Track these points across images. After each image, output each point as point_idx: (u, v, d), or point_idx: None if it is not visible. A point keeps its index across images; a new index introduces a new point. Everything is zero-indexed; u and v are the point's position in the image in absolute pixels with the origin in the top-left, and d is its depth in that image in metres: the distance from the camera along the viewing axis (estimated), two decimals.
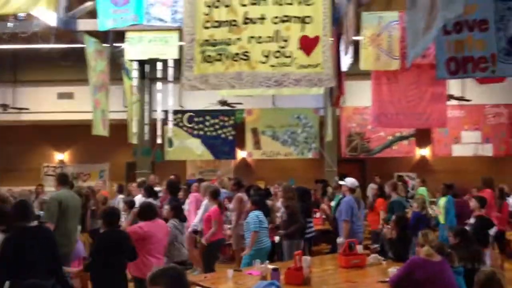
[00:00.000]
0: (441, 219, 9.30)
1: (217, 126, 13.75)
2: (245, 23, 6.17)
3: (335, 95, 9.07)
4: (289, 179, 14.80)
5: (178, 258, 6.11)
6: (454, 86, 12.45)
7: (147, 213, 5.65)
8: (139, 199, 8.51)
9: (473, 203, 8.11)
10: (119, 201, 9.37)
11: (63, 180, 6.44)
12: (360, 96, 12.65)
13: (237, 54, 6.17)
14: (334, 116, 13.25)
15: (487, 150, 13.53)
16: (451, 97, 12.24)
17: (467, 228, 7.85)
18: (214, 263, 7.50)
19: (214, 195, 7.60)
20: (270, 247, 6.65)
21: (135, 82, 10.83)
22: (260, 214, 6.58)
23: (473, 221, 7.95)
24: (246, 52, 6.14)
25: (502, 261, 8.83)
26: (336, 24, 8.08)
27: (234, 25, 6.18)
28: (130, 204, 7.64)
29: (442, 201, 9.45)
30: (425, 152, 15.73)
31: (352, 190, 7.46)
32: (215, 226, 7.21)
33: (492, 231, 8.15)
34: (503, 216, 9.01)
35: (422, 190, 11.05)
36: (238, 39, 6.17)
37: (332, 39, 8.55)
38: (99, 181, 13.05)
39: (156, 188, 9.41)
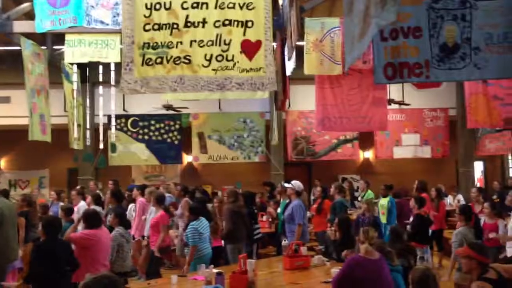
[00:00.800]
0: (383, 219, 9.59)
1: (162, 131, 13.57)
2: (187, 26, 6.13)
3: (280, 99, 9.17)
4: (236, 183, 14.88)
5: (121, 269, 5.94)
6: (394, 90, 12.89)
7: (93, 220, 5.54)
8: (83, 206, 8.26)
9: (412, 203, 8.43)
10: (58, 208, 9.04)
11: None
12: (305, 100, 12.88)
13: (178, 57, 6.12)
14: (280, 120, 13.40)
15: (426, 152, 14.10)
16: (391, 101, 12.66)
17: (408, 227, 8.19)
18: (159, 268, 7.40)
19: (159, 200, 7.48)
20: (211, 253, 6.59)
21: (75, 85, 10.51)
22: (199, 224, 6.47)
23: (412, 220, 8.28)
24: (188, 55, 6.10)
25: (441, 259, 9.22)
26: (280, 29, 8.19)
27: (175, 28, 6.13)
28: (67, 211, 7.42)
29: (384, 201, 9.76)
30: (368, 154, 16.18)
31: (298, 193, 7.57)
32: (164, 232, 7.09)
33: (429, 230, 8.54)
34: (441, 215, 9.39)
35: (370, 194, 11.36)
36: (180, 42, 6.12)
37: (276, 43, 8.69)
38: (34, 189, 12.53)
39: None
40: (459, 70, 5.34)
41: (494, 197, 10.83)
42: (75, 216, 7.31)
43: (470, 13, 5.19)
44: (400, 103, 13.17)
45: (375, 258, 4.47)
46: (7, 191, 8.43)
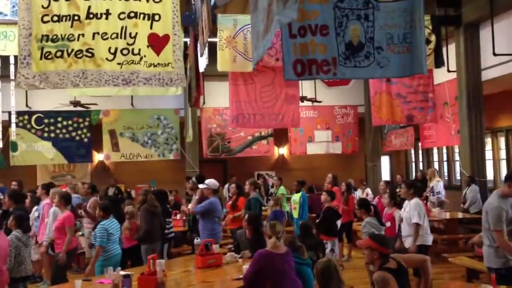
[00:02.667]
0: (295, 214, 9.81)
1: (70, 128, 12.87)
2: (89, 18, 5.81)
3: (194, 96, 9.06)
4: (151, 181, 14.53)
5: (19, 274, 5.53)
6: (307, 88, 13.21)
7: None
8: None
9: (324, 197, 8.68)
10: None
11: None
12: (219, 97, 12.82)
13: (80, 51, 5.79)
14: (195, 117, 13.25)
15: (337, 148, 14.61)
16: (304, 98, 12.97)
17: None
18: (65, 273, 6.98)
19: (65, 200, 7.05)
20: (120, 254, 6.34)
21: None
22: (110, 224, 6.21)
23: (322, 212, 8.54)
24: (90, 48, 5.79)
25: (350, 250, 9.58)
26: (193, 25, 8.07)
27: (77, 20, 5.79)
28: None
29: (296, 196, 9.98)
30: (283, 151, 16.49)
31: (215, 191, 7.49)
32: (70, 233, 6.68)
33: (338, 223, 8.85)
34: (350, 208, 9.75)
35: (282, 190, 11.54)
36: (81, 35, 5.80)
37: (189, 39, 8.56)
38: None
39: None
40: (364, 68, 5.56)
41: (398, 190, 11.44)
42: None
43: (373, 14, 5.41)
44: (313, 100, 13.52)
45: (281, 252, 4.53)
46: None
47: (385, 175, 16.75)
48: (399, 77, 8.96)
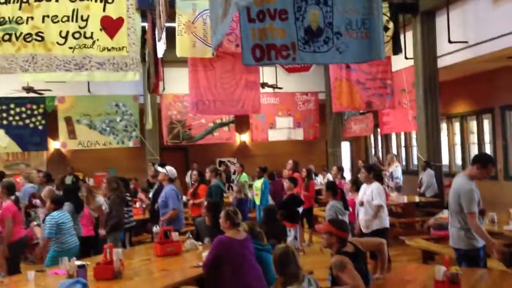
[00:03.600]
0: (257, 200, 9.82)
1: (24, 115, 12.41)
2: (38, 0, 5.55)
3: (152, 82, 8.85)
4: (109, 169, 14.23)
5: None
6: (268, 74, 13.18)
7: None
8: None
9: (287, 184, 8.72)
10: None
11: None
12: (180, 83, 12.62)
13: (29, 34, 5.54)
14: (154, 103, 13.03)
15: (298, 134, 14.71)
16: (265, 85, 12.94)
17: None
18: (18, 264, 6.72)
19: (8, 190, 6.71)
20: (78, 245, 6.17)
21: None
22: (60, 215, 5.99)
23: (284, 199, 8.58)
24: (40, 32, 5.55)
25: (311, 235, 9.69)
26: (151, 9, 7.85)
27: (25, 2, 5.52)
28: None
29: (258, 183, 9.98)
30: (244, 137, 16.46)
31: (171, 180, 7.40)
32: (8, 225, 6.36)
33: (300, 209, 8.92)
34: (311, 194, 9.84)
35: (244, 177, 11.53)
36: (30, 18, 5.54)
37: (147, 24, 8.34)
38: None
39: None
40: (323, 54, 5.54)
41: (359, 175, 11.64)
42: None
43: None
44: (274, 86, 13.52)
45: (240, 238, 4.52)
46: None
47: (346, 160, 17.02)
48: (358, 63, 9.05)
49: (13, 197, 6.58)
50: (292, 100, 14.55)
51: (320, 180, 13.88)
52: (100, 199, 7.69)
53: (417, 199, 10.45)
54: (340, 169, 10.85)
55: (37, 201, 8.34)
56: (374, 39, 5.46)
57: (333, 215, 6.66)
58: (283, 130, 14.55)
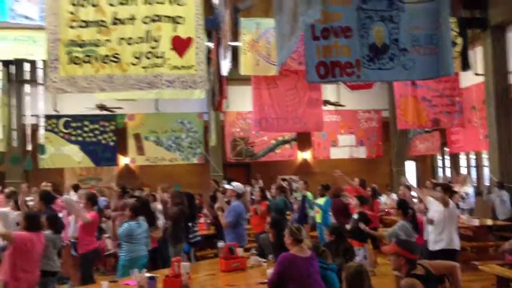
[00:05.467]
0: (318, 218, 9.72)
1: (97, 132, 13.09)
2: (114, 23, 5.91)
3: (217, 100, 9.10)
4: (175, 184, 14.61)
5: (47, 267, 5.65)
6: (330, 92, 13.13)
7: (33, 223, 5.31)
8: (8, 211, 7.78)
9: (354, 201, 8.56)
10: None
11: None
12: (243, 101, 12.85)
13: (107, 56, 5.89)
14: (218, 120, 13.31)
15: (361, 152, 14.48)
16: (327, 102, 12.89)
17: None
18: (92, 274, 7.05)
19: (91, 200, 7.15)
20: (146, 256, 6.37)
21: (0, 84, 9.94)
22: (135, 224, 6.24)
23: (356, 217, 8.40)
24: (116, 54, 5.89)
25: (376, 256, 9.44)
26: (216, 29, 8.11)
27: (103, 25, 5.89)
28: None
29: (320, 201, 9.88)
30: (306, 155, 16.40)
31: (239, 195, 7.50)
32: (93, 234, 6.73)
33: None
34: (375, 214, 9.61)
35: (308, 194, 11.47)
36: (108, 40, 5.90)
37: (212, 43, 8.61)
38: None
39: (28, 198, 8.66)
40: (388, 71, 5.49)
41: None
42: None
43: (398, 15, 5.35)
44: (336, 104, 13.44)
45: (306, 256, 4.48)
46: None
47: (411, 180, 16.49)
48: (425, 79, 8.79)
49: (96, 208, 6.97)
50: (355, 117, 14.38)
51: (384, 200, 13.53)
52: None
53: (490, 222, 9.93)
54: (409, 188, 10.49)
55: (109, 212, 8.71)
56: (442, 55, 5.35)
57: (400, 235, 6.44)
58: (345, 148, 14.39)
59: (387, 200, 13.20)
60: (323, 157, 14.51)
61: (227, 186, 7.84)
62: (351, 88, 11.88)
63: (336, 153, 14.38)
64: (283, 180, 15.28)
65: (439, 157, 16.66)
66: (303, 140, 14.94)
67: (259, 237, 7.23)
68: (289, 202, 9.76)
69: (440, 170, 16.92)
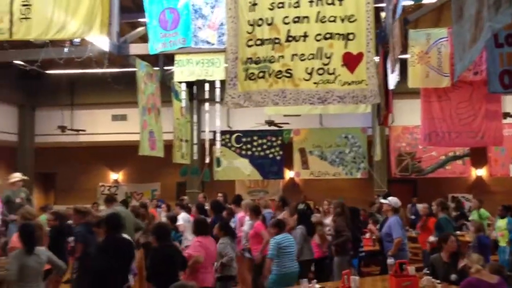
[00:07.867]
0: (502, 242, 8.87)
1: (265, 146, 13.81)
2: (288, 40, 6.22)
3: (382, 114, 8.95)
4: (338, 199, 14.63)
5: (228, 272, 6.16)
6: (509, 103, 11.95)
7: (202, 228, 5.91)
8: (182, 217, 8.65)
9: None
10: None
11: (109, 200, 7.78)
12: (409, 115, 12.41)
13: (280, 71, 6.22)
14: (383, 135, 13.02)
15: None
16: (507, 115, 11.75)
17: None
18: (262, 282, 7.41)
19: (255, 211, 7.57)
20: (297, 271, 6.44)
21: (184, 103, 11.08)
22: (283, 238, 6.37)
23: None
24: (289, 69, 6.17)
25: None
26: (383, 42, 8.01)
27: (277, 43, 6.25)
28: (171, 219, 8.26)
29: (502, 223, 9.03)
30: (481, 172, 15.12)
31: (395, 210, 7.32)
32: (265, 238, 7.07)
33: None
34: None
35: (483, 213, 10.60)
36: (281, 56, 6.23)
37: (378, 57, 8.51)
38: (150, 200, 13.50)
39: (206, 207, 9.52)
40: None
41: None
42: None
43: None
44: None
45: (492, 282, 4.14)
46: (126, 201, 9.23)
47: None
48: None
49: (260, 217, 7.39)
50: None
51: None
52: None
53: None
54: None
55: None
56: None
57: None
58: None
59: None
60: (501, 175, 13.21)
61: (382, 201, 7.65)
62: None
63: None
64: (453, 198, 14.30)
65: None
66: (478, 156, 13.79)
67: (429, 256, 6.88)
68: (453, 220, 9.13)
69: None
